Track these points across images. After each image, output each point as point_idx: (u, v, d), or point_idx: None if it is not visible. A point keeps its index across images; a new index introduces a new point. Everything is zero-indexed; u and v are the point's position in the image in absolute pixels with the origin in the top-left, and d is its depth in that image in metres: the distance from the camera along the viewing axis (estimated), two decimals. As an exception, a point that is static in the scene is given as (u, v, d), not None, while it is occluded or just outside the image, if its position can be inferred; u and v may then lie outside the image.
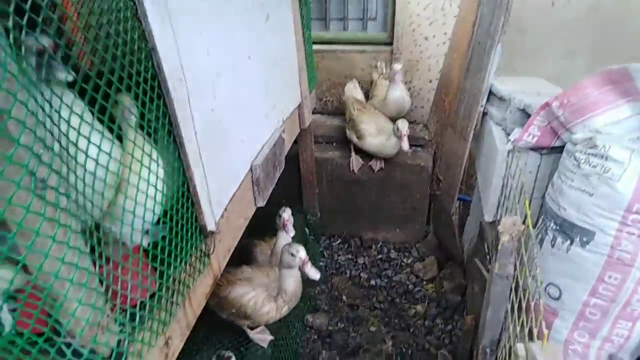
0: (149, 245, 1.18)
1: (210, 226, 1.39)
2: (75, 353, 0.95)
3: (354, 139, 3.30)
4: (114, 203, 1.10)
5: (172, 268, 1.21)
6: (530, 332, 1.41)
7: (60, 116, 0.89)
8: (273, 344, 2.53)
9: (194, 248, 1.32)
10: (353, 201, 3.64)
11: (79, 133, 0.92)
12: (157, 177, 1.17)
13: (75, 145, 0.92)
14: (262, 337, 2.46)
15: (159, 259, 1.17)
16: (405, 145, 2.98)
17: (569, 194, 1.84)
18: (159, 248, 1.18)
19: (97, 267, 0.94)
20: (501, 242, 1.67)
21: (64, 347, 0.93)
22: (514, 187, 2.22)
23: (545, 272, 1.92)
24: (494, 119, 2.67)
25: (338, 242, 3.75)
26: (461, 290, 3.20)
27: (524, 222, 1.70)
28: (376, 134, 3.18)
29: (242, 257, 2.76)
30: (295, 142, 3.25)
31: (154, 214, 1.17)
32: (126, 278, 1.04)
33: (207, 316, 2.42)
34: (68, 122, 0.90)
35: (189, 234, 1.30)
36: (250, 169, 1.81)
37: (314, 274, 2.10)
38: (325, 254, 3.63)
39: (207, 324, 2.41)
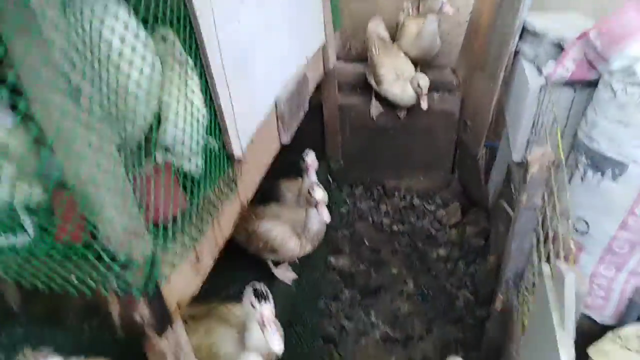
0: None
1: (237, 153, 1.41)
2: (113, 260, 1.00)
3: (373, 83, 3.24)
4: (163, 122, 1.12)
5: (201, 188, 1.24)
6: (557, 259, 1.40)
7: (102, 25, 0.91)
8: (297, 283, 2.61)
9: (222, 172, 1.35)
10: (377, 148, 3.61)
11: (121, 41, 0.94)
12: (196, 104, 1.19)
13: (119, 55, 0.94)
14: (286, 275, 2.53)
15: (189, 178, 1.20)
16: (424, 104, 2.93)
17: (602, 126, 1.78)
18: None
19: (130, 176, 0.97)
20: (530, 172, 1.65)
21: (101, 253, 0.97)
22: (545, 124, 2.16)
23: (573, 206, 1.89)
24: (526, 56, 2.57)
25: (361, 189, 3.75)
26: (485, 235, 3.20)
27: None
28: (394, 80, 3.10)
29: (270, 197, 2.81)
30: (319, 90, 3.21)
31: (197, 138, 1.20)
32: (159, 191, 1.07)
33: (233, 257, 2.50)
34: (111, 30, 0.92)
35: (217, 158, 1.32)
36: (275, 104, 1.80)
37: (325, 216, 2.14)
38: (348, 201, 3.65)
39: (233, 265, 2.50)
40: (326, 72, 2.81)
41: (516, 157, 2.45)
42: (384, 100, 3.32)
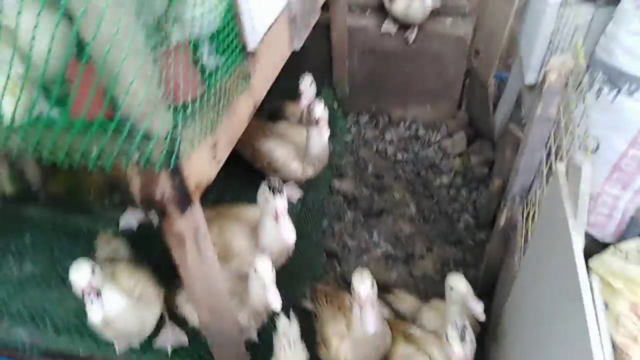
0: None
1: (251, 46, 1.38)
2: (134, 133, 0.99)
3: (386, 2, 3.11)
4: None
5: (217, 75, 1.22)
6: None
7: None
8: (301, 202, 2.65)
9: (237, 61, 1.32)
10: (384, 76, 3.54)
11: None
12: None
13: None
14: (292, 193, 2.56)
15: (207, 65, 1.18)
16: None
17: (623, 40, 1.73)
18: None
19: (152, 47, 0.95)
20: (548, 80, 1.62)
21: (122, 124, 0.97)
22: (562, 43, 2.11)
23: (585, 122, 1.88)
24: (546, -26, 2.45)
25: (366, 118, 3.72)
26: (488, 164, 3.22)
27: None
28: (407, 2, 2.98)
29: (278, 118, 2.80)
30: (327, 10, 3.09)
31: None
32: (177, 69, 1.05)
33: (239, 173, 2.52)
34: None
35: (232, 47, 1.29)
36: (288, 5, 1.74)
37: (324, 133, 2.13)
38: (352, 129, 3.63)
39: (240, 180, 2.53)
40: (337, -13, 2.70)
41: (529, 78, 2.41)
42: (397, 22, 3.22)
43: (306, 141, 2.22)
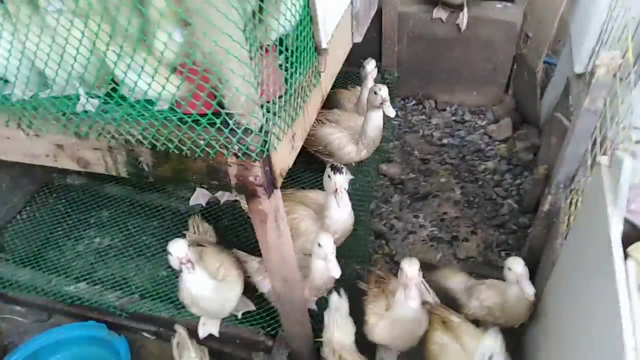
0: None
1: (324, 44, 1.53)
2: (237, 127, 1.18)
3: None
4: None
5: (296, 74, 1.39)
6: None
7: None
8: (351, 183, 2.82)
9: (311, 60, 1.48)
10: (433, 61, 3.62)
11: None
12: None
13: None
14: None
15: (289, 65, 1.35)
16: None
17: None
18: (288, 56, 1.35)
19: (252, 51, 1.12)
20: (596, 75, 1.70)
21: (228, 119, 1.16)
22: (613, 34, 2.15)
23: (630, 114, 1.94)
24: (601, -37, 2.47)
25: (413, 103, 3.82)
26: (534, 150, 3.27)
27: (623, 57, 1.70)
28: None
29: (330, 105, 2.96)
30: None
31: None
32: (268, 70, 1.23)
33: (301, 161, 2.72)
34: None
35: (308, 48, 1.45)
36: (351, 2, 1.88)
37: (391, 111, 2.25)
38: (399, 114, 3.74)
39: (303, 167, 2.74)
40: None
41: (579, 68, 2.46)
42: (449, 6, 3.29)
43: (363, 124, 2.38)
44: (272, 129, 1.22)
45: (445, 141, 3.50)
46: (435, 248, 2.71)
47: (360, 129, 2.49)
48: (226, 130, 1.17)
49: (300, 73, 1.41)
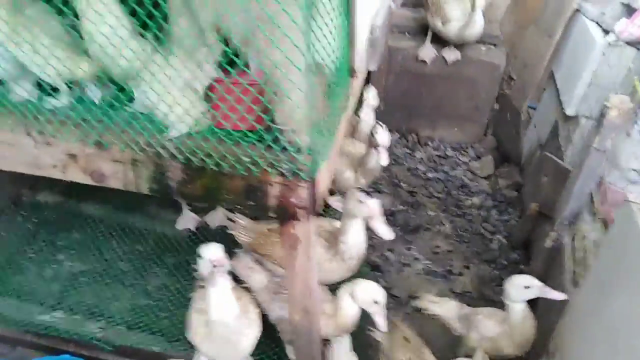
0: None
1: (356, 69, 1.50)
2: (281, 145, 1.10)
3: (438, 24, 3.25)
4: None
5: (336, 97, 1.34)
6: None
7: None
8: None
9: (345, 84, 1.44)
10: (417, 96, 3.69)
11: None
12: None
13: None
14: (336, 204, 2.67)
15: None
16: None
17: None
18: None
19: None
20: (607, 116, 1.76)
21: (280, 137, 1.08)
22: (605, 80, 2.27)
23: (629, 159, 2.02)
24: (589, 14, 2.64)
25: (397, 136, 3.86)
26: (516, 187, 3.36)
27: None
28: (462, 16, 3.14)
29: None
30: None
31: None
32: (319, 91, 1.17)
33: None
34: None
35: (345, 71, 1.41)
36: (371, 30, 1.87)
37: (384, 160, 2.15)
38: (383, 145, 3.76)
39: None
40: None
41: (570, 111, 2.56)
42: (439, 44, 3.37)
43: (365, 157, 2.34)
44: (320, 148, 1.15)
45: (430, 175, 3.53)
46: (431, 282, 2.67)
47: (358, 154, 2.46)
48: (276, 148, 1.08)
49: (338, 95, 1.36)
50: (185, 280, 2.31)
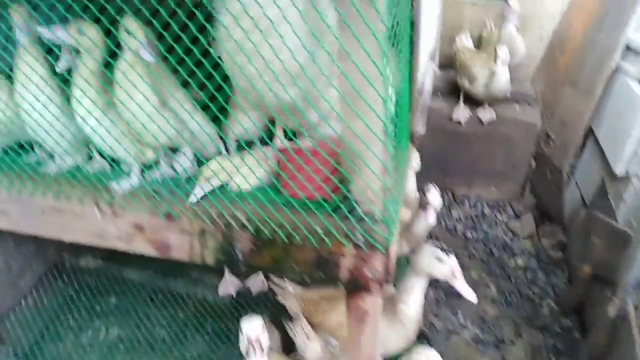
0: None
1: (419, 130, 1.49)
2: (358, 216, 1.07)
3: (466, 84, 3.30)
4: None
5: (403, 165, 1.32)
6: None
7: None
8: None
9: (407, 149, 1.43)
10: (452, 154, 3.68)
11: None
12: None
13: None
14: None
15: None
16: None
17: None
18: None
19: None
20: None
21: (356, 206, 1.05)
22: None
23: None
24: (629, 74, 2.64)
25: (431, 194, 3.81)
26: (561, 247, 3.23)
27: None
28: (489, 76, 3.17)
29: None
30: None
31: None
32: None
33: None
34: None
35: (408, 136, 1.40)
36: (421, 93, 1.89)
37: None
38: (417, 204, 3.70)
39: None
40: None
41: (619, 170, 2.50)
42: (472, 103, 3.40)
43: (411, 221, 2.29)
44: (393, 216, 1.11)
45: (469, 234, 3.43)
46: (482, 352, 2.52)
47: (402, 220, 2.40)
48: (353, 218, 1.05)
49: (403, 161, 1.34)
50: (226, 349, 2.22)
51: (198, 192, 1.16)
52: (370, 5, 0.82)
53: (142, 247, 1.26)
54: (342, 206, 1.05)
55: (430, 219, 2.18)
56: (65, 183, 1.20)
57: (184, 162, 1.28)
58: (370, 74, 0.88)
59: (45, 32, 1.20)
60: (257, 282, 2.45)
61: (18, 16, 1.29)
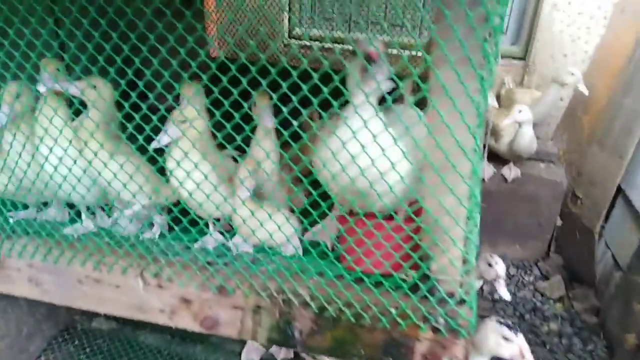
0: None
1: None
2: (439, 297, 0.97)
3: (491, 141, 3.27)
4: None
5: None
6: None
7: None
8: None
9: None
10: (475, 212, 3.59)
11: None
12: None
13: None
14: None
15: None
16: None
17: None
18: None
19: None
20: None
21: (437, 286, 0.95)
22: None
23: None
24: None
25: (453, 252, 3.69)
26: (594, 312, 3.07)
27: None
28: (513, 133, 3.15)
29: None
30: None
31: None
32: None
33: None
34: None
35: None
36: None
37: (504, 294, 1.84)
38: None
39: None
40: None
41: (660, 233, 2.41)
42: (496, 161, 3.35)
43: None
44: (476, 298, 1.01)
45: (496, 296, 3.28)
46: None
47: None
48: (433, 299, 0.94)
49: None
50: None
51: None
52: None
53: (186, 322, 1.14)
54: (421, 285, 0.95)
55: (503, 293, 2.00)
56: (109, 252, 1.10)
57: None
58: (466, 145, 0.81)
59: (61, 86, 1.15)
60: (282, 349, 2.29)
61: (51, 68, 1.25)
